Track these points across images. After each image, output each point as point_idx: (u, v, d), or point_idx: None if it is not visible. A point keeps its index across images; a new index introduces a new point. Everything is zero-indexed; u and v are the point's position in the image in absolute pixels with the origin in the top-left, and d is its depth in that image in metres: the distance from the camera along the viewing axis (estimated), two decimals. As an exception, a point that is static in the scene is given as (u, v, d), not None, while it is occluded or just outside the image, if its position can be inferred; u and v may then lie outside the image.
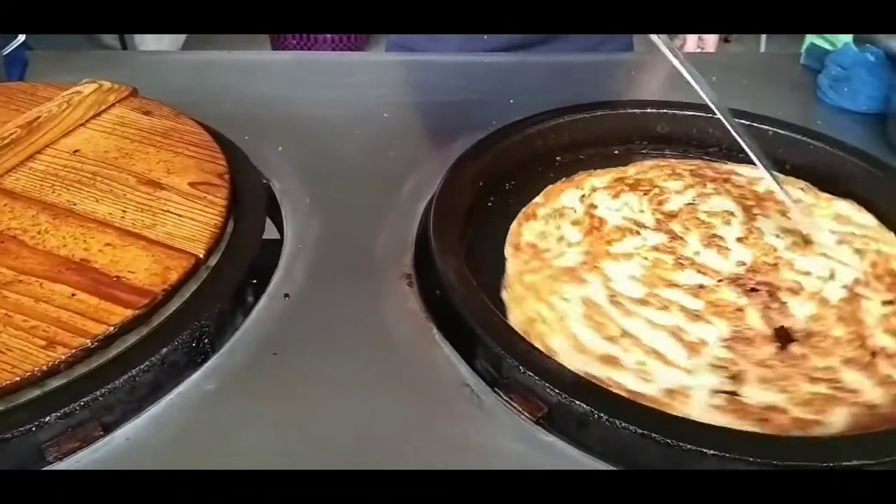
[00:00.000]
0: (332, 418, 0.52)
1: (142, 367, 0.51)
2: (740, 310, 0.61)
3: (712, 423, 0.50)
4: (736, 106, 0.85)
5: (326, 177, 0.76)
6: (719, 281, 0.64)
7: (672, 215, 0.72)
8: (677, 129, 0.78)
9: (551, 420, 0.51)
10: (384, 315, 0.60)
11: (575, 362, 0.55)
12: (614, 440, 0.48)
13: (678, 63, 0.65)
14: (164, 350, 0.53)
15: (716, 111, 0.68)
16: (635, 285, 0.63)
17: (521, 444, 0.50)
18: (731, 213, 0.72)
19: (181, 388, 0.53)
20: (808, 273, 0.66)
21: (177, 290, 0.57)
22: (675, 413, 0.51)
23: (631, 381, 0.54)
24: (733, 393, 0.54)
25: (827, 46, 1.01)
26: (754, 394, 0.54)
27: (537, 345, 0.56)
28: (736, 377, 0.56)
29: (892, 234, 0.71)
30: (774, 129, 0.80)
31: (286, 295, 0.61)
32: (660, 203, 0.73)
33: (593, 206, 0.73)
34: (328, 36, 3.05)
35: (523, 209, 0.73)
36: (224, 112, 0.85)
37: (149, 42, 2.61)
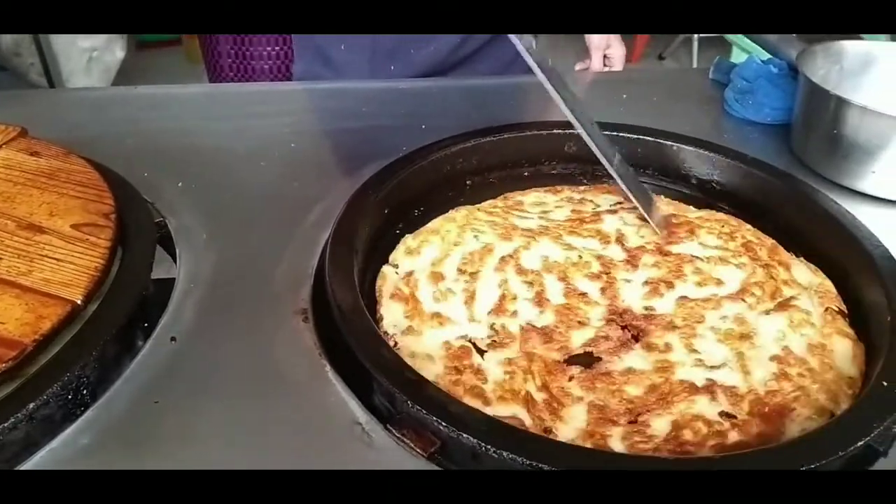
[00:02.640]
0: (214, 467, 0.49)
1: (6, 424, 0.48)
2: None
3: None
4: (644, 122, 0.86)
5: (227, 211, 0.74)
6: None
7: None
8: (585, 148, 0.77)
9: (445, 454, 0.50)
10: (276, 354, 0.57)
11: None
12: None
13: (546, 82, 0.66)
14: (32, 405, 0.49)
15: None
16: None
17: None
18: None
19: (53, 444, 0.50)
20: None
21: (51, 340, 0.54)
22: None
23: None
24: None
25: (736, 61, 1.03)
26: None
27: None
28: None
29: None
30: (678, 145, 0.81)
31: (173, 338, 0.58)
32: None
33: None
34: (265, 66, 2.98)
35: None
36: (124, 148, 0.83)
37: (78, 79, 2.55)
